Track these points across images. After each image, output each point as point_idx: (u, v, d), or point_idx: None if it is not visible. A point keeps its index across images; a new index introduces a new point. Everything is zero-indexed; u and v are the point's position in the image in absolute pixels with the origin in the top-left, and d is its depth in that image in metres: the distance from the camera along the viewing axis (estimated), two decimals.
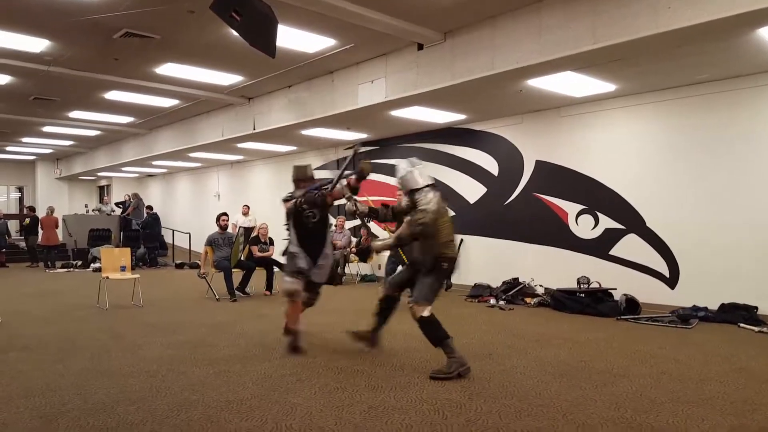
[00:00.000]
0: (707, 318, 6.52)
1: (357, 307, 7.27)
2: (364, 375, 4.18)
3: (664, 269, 7.26)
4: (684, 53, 5.76)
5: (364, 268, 10.99)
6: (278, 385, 3.91)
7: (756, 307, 6.41)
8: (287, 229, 5.07)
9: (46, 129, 12.50)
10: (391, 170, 11.02)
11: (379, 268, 11.04)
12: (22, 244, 15.13)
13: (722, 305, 6.61)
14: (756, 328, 6.02)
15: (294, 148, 12.38)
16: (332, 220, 11.15)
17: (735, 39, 5.33)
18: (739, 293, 6.56)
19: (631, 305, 6.94)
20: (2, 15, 5.85)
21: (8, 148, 15.99)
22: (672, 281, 7.19)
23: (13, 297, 8.50)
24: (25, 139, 14.35)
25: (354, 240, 10.90)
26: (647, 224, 7.42)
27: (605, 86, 7.08)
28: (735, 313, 6.42)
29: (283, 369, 4.33)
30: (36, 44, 6.71)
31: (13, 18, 5.93)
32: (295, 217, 4.88)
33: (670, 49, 5.50)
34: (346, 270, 10.44)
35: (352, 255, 10.61)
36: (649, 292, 7.23)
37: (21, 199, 20.32)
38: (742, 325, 6.18)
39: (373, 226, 10.38)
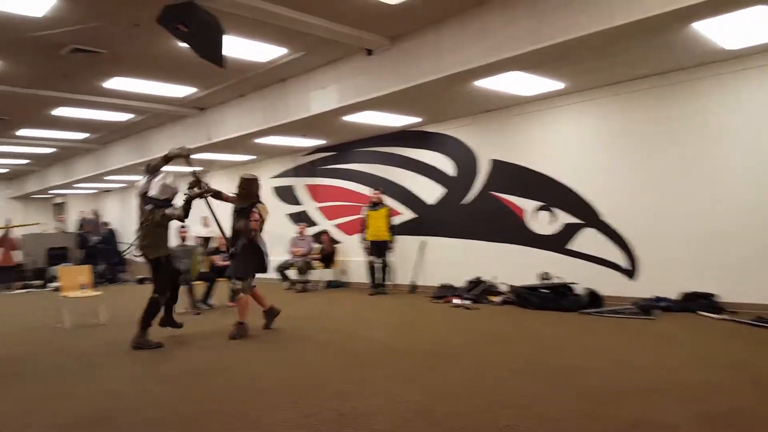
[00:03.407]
0: (669, 308, 6.59)
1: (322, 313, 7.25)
2: (334, 382, 4.17)
3: (621, 261, 7.43)
4: (624, 49, 5.95)
5: (328, 275, 10.94)
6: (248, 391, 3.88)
7: (715, 295, 6.54)
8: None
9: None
10: (349, 175, 11.04)
11: (342, 274, 11.02)
12: None
13: (683, 294, 6.72)
14: (716, 316, 6.11)
15: (252, 156, 12.26)
16: (294, 227, 11.12)
17: (671, 34, 5.52)
18: (697, 281, 6.69)
19: (594, 298, 7.02)
20: None
21: None
22: (631, 272, 7.36)
23: None
24: None
25: (316, 246, 10.86)
26: (601, 217, 7.62)
27: (554, 84, 7.26)
28: (696, 302, 6.52)
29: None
30: None
31: None
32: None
33: (611, 45, 5.67)
34: (310, 277, 10.37)
35: (315, 262, 10.57)
36: (610, 284, 7.34)
37: None
38: (702, 313, 6.27)
39: None
